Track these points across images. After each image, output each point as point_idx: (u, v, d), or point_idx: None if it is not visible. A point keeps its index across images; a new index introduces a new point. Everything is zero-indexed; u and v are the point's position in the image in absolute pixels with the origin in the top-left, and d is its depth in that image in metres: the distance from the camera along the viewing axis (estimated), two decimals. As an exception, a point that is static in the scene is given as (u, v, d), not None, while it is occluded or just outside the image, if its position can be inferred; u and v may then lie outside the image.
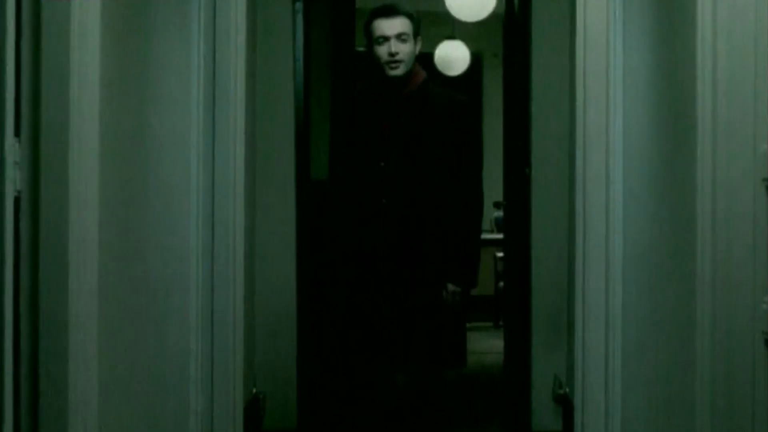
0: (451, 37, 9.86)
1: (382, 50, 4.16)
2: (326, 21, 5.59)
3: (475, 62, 10.33)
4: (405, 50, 4.11)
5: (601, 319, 4.55)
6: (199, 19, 3.95)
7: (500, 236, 9.05)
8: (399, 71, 4.12)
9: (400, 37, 4.11)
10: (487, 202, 10.50)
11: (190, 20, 3.92)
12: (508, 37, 6.08)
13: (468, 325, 9.69)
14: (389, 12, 4.11)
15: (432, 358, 4.19)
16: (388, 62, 4.13)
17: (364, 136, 4.19)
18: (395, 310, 4.14)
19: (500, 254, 8.90)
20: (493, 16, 7.76)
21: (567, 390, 5.20)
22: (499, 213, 9.69)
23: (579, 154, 4.71)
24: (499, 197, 7.50)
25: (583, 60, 4.66)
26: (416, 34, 4.18)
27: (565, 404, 5.22)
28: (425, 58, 9.83)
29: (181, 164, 3.82)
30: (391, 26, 4.12)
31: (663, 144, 3.36)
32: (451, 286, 4.20)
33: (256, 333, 5.33)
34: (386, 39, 4.10)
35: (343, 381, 4.58)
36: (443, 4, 7.51)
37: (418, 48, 4.21)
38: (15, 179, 2.35)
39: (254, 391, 5.23)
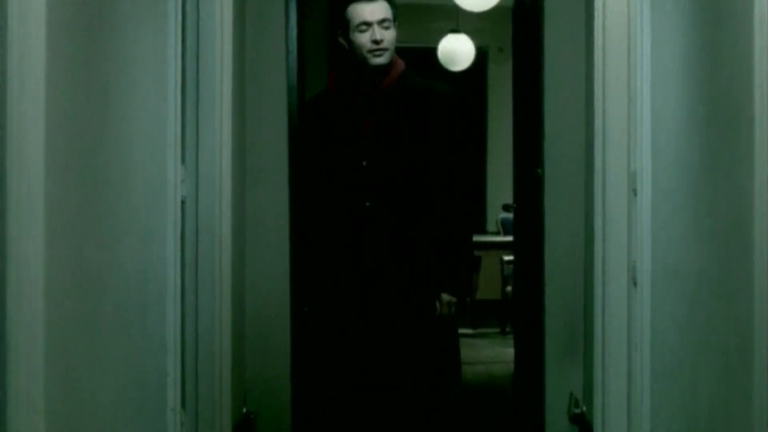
0: (455, 30, 9.66)
1: (364, 38, 3.77)
2: (322, 11, 5.27)
3: (479, 57, 10.14)
4: (388, 37, 3.75)
5: (622, 335, 4.27)
6: (176, 8, 3.57)
7: (507, 239, 9.01)
8: (383, 59, 3.76)
9: (382, 23, 3.72)
10: (495, 204, 10.52)
11: (166, 9, 3.55)
12: (518, 27, 5.85)
13: (473, 331, 9.53)
14: None
15: (427, 382, 3.80)
16: (372, 50, 3.72)
17: (342, 133, 3.78)
18: (382, 333, 3.74)
19: (507, 257, 8.71)
20: (498, 8, 7.51)
21: (584, 409, 4.90)
22: (506, 214, 9.40)
23: (597, 154, 4.46)
24: (507, 199, 7.24)
25: (602, 50, 4.38)
26: (395, 18, 3.81)
27: (581, 424, 4.95)
28: (428, 53, 10.08)
29: (155, 168, 3.45)
30: (374, 11, 3.74)
31: (704, 143, 3.03)
32: (446, 297, 3.80)
33: (246, 348, 5.11)
34: (368, 25, 3.70)
35: (341, 400, 4.16)
36: None
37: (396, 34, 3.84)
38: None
39: (245, 410, 5.00)
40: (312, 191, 3.89)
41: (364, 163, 3.76)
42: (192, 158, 4.32)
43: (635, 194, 4.29)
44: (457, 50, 9.57)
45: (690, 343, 3.18)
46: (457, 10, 8.13)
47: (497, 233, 10.13)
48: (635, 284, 4.23)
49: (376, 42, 3.73)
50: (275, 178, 5.13)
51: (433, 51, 9.52)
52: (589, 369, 4.74)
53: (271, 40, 5.16)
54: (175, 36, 3.60)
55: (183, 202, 4.13)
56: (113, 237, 2.94)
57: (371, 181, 3.76)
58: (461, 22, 9.59)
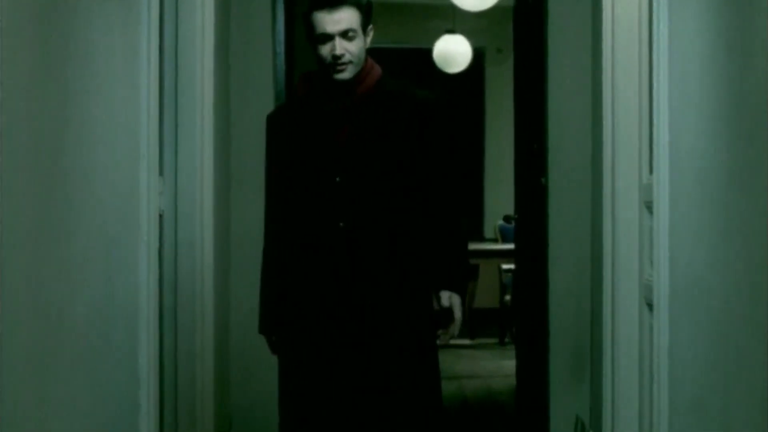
0: (451, 31, 9.51)
1: (325, 50, 3.37)
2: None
3: (476, 58, 9.98)
4: (353, 49, 3.33)
5: (634, 359, 4.05)
6: (150, 3, 3.28)
7: (506, 246, 8.91)
8: (346, 74, 3.35)
9: (346, 34, 3.33)
10: (493, 210, 10.29)
11: (138, 3, 3.26)
12: (520, 27, 5.64)
13: (471, 342, 9.25)
14: (333, 2, 3.33)
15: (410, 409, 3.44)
16: (333, 65, 3.35)
17: (313, 145, 3.42)
18: (363, 367, 3.38)
19: (506, 266, 8.53)
20: (496, 8, 7.36)
21: (591, 434, 4.64)
22: (505, 223, 9.18)
23: (606, 163, 4.26)
24: (506, 204, 7.02)
25: (611, 50, 4.21)
26: (366, 24, 3.41)
27: (588, 450, 4.67)
28: (423, 54, 9.93)
29: (125, 180, 3.16)
30: (335, 21, 3.32)
31: (732, 153, 2.79)
32: (446, 295, 3.41)
33: (230, 369, 4.95)
34: (329, 38, 3.33)
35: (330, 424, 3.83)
36: None
37: (369, 40, 3.43)
38: None
39: (229, 436, 4.81)
40: (278, 213, 3.51)
41: (337, 179, 3.38)
42: (171, 169, 4.09)
43: (647, 207, 4.06)
44: (453, 51, 9.41)
45: (717, 378, 2.91)
46: (454, 9, 7.98)
47: (495, 240, 9.91)
48: (648, 305, 3.98)
49: (335, 57, 3.36)
50: (261, 184, 4.79)
51: (428, 52, 9.38)
52: (597, 391, 4.55)
53: (257, 41, 5.02)
54: (148, 34, 3.34)
55: (161, 216, 3.94)
56: (73, 258, 2.66)
57: (346, 199, 3.38)
58: (457, 22, 9.45)
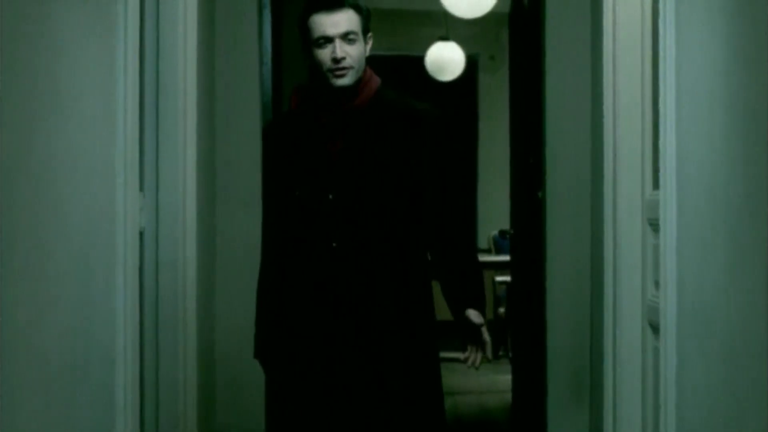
0: (444, 38, 9.44)
1: (324, 54, 3.22)
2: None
3: (469, 66, 9.93)
4: (354, 53, 3.18)
5: (636, 382, 3.94)
6: (127, 9, 3.12)
7: (500, 258, 8.78)
8: (347, 80, 3.19)
9: (346, 37, 3.18)
10: (486, 220, 10.17)
11: (114, 10, 3.10)
12: (516, 34, 5.55)
13: (464, 355, 9.08)
14: (331, 4, 3.18)
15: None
16: (333, 69, 3.19)
17: (305, 161, 3.25)
18: (358, 398, 3.22)
19: (500, 278, 8.48)
20: (489, 14, 7.32)
21: (591, 461, 4.50)
22: (500, 238, 9.06)
23: (607, 177, 4.17)
24: (499, 214, 6.89)
25: (613, 58, 4.15)
26: (366, 30, 3.26)
27: (588, 478, 4.55)
28: (415, 62, 9.84)
29: (99, 196, 3.01)
30: (335, 23, 3.18)
31: (747, 168, 2.67)
32: (474, 313, 3.23)
33: (216, 394, 4.83)
34: (329, 40, 3.18)
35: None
36: (435, 1, 7.00)
37: (369, 47, 3.28)
38: None
39: (213, 462, 4.72)
40: (273, 233, 3.35)
41: (330, 197, 3.21)
42: (151, 184, 3.94)
43: (650, 224, 3.92)
44: (446, 59, 9.35)
45: (729, 410, 2.75)
46: (446, 16, 7.84)
47: (488, 251, 9.79)
48: (652, 326, 3.83)
49: (336, 60, 3.20)
50: (248, 199, 4.87)
51: (420, 60, 9.31)
52: (597, 415, 4.47)
53: (243, 50, 4.91)
54: (125, 42, 3.20)
55: (141, 234, 3.79)
56: (44, 283, 2.52)
57: (339, 218, 3.21)
58: (450, 28, 9.35)
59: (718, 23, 2.90)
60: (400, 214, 3.22)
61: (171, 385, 3.91)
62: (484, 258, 9.47)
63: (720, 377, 2.87)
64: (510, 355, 7.23)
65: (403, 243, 3.23)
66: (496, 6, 6.75)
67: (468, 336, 3.19)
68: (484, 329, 3.19)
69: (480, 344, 3.19)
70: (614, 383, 4.04)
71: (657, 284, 3.78)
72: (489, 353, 3.22)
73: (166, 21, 3.93)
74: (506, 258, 6.91)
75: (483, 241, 10.04)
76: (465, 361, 3.22)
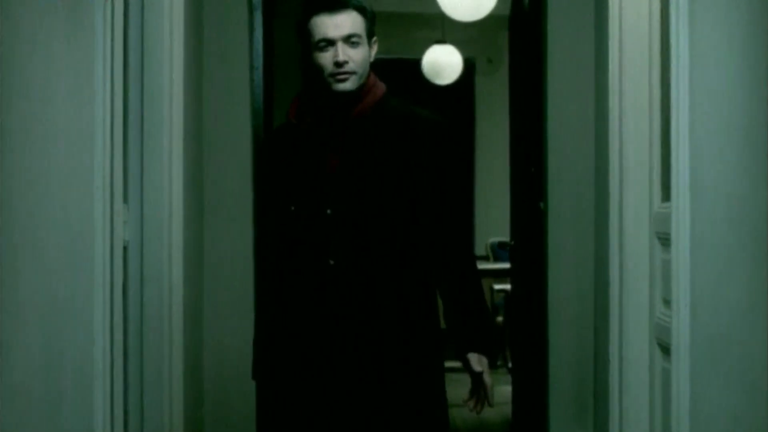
0: (441, 41, 9.37)
1: (325, 58, 3.07)
2: (294, 18, 4.83)
3: (467, 69, 9.86)
4: (357, 57, 3.03)
5: (644, 405, 3.83)
6: (106, 11, 2.97)
7: (498, 266, 8.68)
8: (348, 84, 3.03)
9: (349, 39, 3.02)
10: (483, 226, 10.06)
11: (92, 11, 2.95)
12: (516, 37, 5.40)
13: (461, 364, 8.95)
14: (334, 5, 3.03)
15: None
16: (334, 74, 3.03)
17: (303, 173, 3.10)
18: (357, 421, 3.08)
19: (498, 286, 8.33)
20: (487, 17, 7.25)
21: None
22: (496, 239, 8.94)
23: (613, 188, 4.04)
24: (497, 221, 6.79)
25: (619, 61, 4.02)
26: (371, 34, 3.10)
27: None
28: (412, 65, 9.75)
29: (75, 208, 2.86)
30: (338, 25, 3.02)
31: None
32: (475, 358, 3.08)
33: (204, 412, 4.71)
34: (331, 43, 3.02)
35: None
36: (432, 3, 6.96)
37: (374, 53, 3.12)
38: None
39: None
40: (270, 249, 3.21)
41: (328, 211, 3.06)
42: (136, 196, 3.80)
43: (659, 238, 3.76)
44: (443, 62, 9.29)
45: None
46: (443, 19, 7.83)
47: (486, 258, 9.69)
48: (661, 346, 3.68)
49: (338, 64, 3.05)
50: (238, 212, 4.78)
51: (417, 63, 9.27)
52: None
53: (233, 53, 4.79)
54: (103, 48, 3.04)
55: (125, 248, 3.65)
56: (12, 304, 2.33)
57: (337, 234, 3.06)
58: (447, 31, 9.31)
59: (734, 23, 2.74)
60: (400, 230, 3.07)
61: (156, 406, 3.77)
62: (481, 266, 9.38)
63: (740, 409, 2.71)
64: (509, 365, 7.11)
65: (403, 260, 3.08)
66: (495, 8, 6.66)
67: (471, 378, 3.05)
68: (485, 375, 3.03)
69: (481, 390, 3.05)
70: (620, 403, 3.91)
71: (666, 302, 3.63)
72: (491, 399, 3.06)
73: (150, 24, 3.79)
74: (505, 266, 6.80)
75: (480, 248, 9.95)
76: (466, 404, 3.09)
